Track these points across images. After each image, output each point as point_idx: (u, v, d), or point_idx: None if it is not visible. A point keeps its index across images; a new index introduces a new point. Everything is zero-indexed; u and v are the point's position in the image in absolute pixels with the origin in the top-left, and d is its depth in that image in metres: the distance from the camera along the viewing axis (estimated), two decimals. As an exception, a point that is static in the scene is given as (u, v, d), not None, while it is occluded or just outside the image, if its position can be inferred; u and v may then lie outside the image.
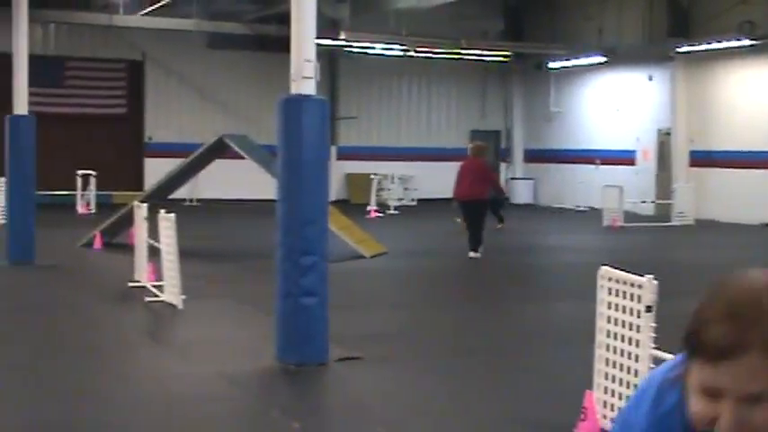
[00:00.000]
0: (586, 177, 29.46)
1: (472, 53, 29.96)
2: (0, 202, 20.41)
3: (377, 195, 27.32)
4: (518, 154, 33.71)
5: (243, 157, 16.43)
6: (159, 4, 25.70)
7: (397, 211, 27.35)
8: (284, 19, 26.28)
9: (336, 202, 22.68)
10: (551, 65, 30.35)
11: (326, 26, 25.55)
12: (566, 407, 6.78)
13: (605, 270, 6.07)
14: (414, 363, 8.74)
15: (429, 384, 7.97)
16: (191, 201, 28.03)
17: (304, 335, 8.28)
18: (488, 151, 20.09)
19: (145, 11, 26.59)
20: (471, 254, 16.57)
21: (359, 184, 30.45)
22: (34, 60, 16.11)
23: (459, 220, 18.04)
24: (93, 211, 24.67)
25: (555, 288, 14.68)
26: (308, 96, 8.31)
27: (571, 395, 6.75)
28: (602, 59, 28.24)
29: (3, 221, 17.13)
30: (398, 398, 7.54)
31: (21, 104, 15.07)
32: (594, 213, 25.81)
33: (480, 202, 16.65)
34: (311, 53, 8.34)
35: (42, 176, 16.40)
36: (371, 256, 16.19)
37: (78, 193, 25.63)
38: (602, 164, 29.38)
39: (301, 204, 8.28)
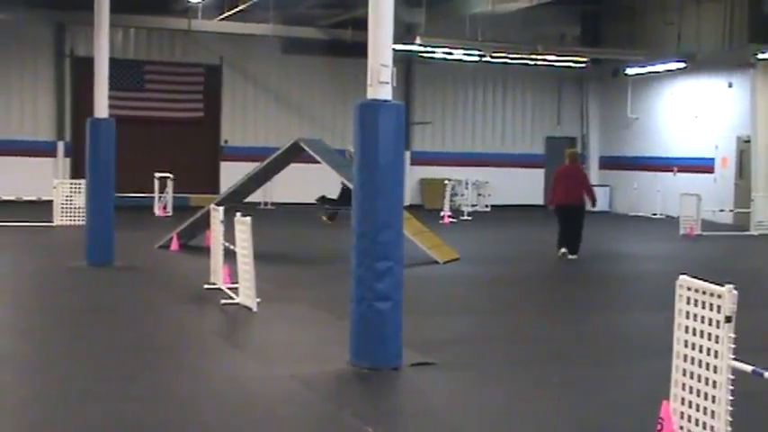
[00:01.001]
0: (664, 185, 29.05)
1: (548, 59, 29.71)
2: (80, 204, 20.83)
3: (450, 201, 27.25)
4: (594, 161, 33.36)
5: (317, 161, 16.51)
6: (236, 10, 25.98)
7: (470, 217, 27.26)
8: (359, 24, 26.40)
9: (410, 208, 22.67)
10: (629, 71, 29.97)
11: (402, 31, 25.59)
12: (642, 417, 6.70)
13: (684, 279, 5.98)
14: (487, 369, 8.69)
15: (502, 391, 7.92)
16: (265, 204, 28.27)
17: (378, 339, 8.30)
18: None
19: (222, 16, 26.90)
20: (571, 255, 17.34)
21: (432, 189, 30.43)
22: (114, 64, 16.39)
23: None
24: (170, 214, 25.02)
25: (631, 296, 14.49)
26: (384, 101, 8.33)
27: (647, 405, 6.66)
28: (681, 65, 27.82)
29: (83, 223, 17.43)
30: (471, 404, 7.51)
31: (101, 108, 15.32)
32: (671, 221, 25.44)
33: (577, 207, 17.30)
34: (388, 58, 8.36)
35: (121, 179, 16.65)
36: (444, 262, 16.16)
37: (156, 195, 26.00)
38: (680, 171, 28.93)
39: (377, 209, 8.29)
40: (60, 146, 28.95)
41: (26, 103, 28.86)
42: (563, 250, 17.53)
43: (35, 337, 9.73)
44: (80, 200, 21.10)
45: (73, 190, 22.04)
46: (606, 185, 32.37)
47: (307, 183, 26.94)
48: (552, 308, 12.82)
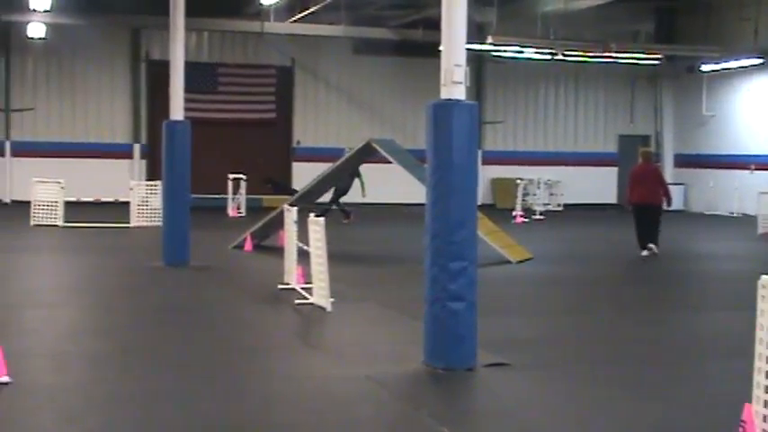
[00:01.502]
0: (741, 183, 28.55)
1: (621, 56, 29.38)
2: (156, 205, 21.15)
3: (522, 200, 27.10)
4: (668, 159, 32.92)
5: (389, 162, 16.54)
6: (307, 11, 26.14)
7: (542, 217, 27.09)
8: (430, 24, 26.41)
9: (481, 207, 22.60)
10: (704, 67, 29.54)
11: (474, 30, 25.52)
12: (722, 420, 6.60)
13: (766, 279, 5.87)
14: (562, 370, 8.63)
15: (578, 392, 7.85)
16: (337, 204, 28.36)
17: (452, 339, 8.28)
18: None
19: (294, 18, 27.09)
20: (645, 252, 17.49)
21: (504, 188, 30.32)
22: (188, 67, 16.62)
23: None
24: (244, 214, 25.28)
25: (708, 296, 14.26)
26: (458, 101, 8.31)
27: (728, 408, 6.56)
28: (758, 61, 27.31)
29: (159, 224, 17.70)
30: (547, 405, 7.46)
31: (177, 110, 15.53)
32: (748, 220, 24.99)
33: (656, 207, 17.61)
34: (461, 58, 8.33)
35: (195, 180, 16.85)
36: (518, 262, 16.09)
37: (229, 196, 26.28)
38: (758, 169, 28.42)
39: (451, 208, 8.27)
40: (136, 148, 29.44)
41: (103, 107, 29.41)
42: (646, 252, 17.50)
43: (115, 337, 9.89)
44: (156, 201, 21.42)
45: (149, 191, 22.39)
46: (681, 184, 31.92)
47: (378, 183, 27.04)
48: (628, 308, 12.67)
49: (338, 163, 17.12)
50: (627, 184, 18.33)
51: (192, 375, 8.19)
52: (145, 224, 21.90)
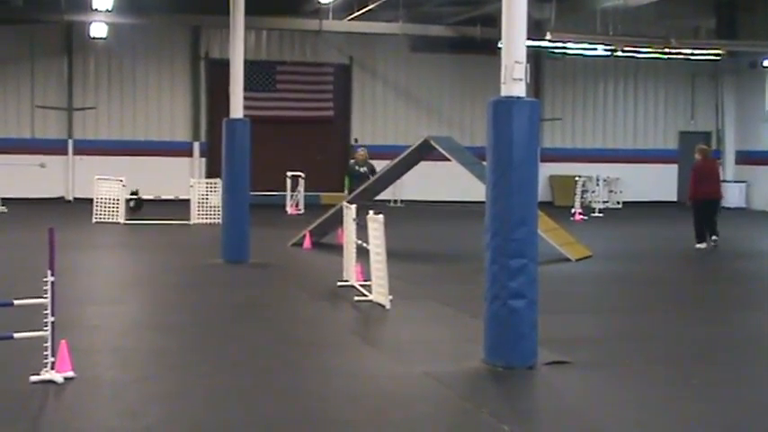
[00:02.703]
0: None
1: (682, 52, 29.01)
2: (216, 203, 21.34)
3: (581, 198, 26.91)
4: (729, 156, 32.46)
5: (447, 159, 16.50)
6: (365, 9, 26.17)
7: (601, 214, 26.87)
8: (487, 21, 26.29)
9: (540, 204, 22.47)
10: (766, 63, 29.05)
11: (532, 27, 25.34)
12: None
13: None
14: (624, 369, 8.55)
15: (638, 391, 7.77)
16: (395, 202, 28.44)
17: (512, 337, 8.25)
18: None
19: (351, 16, 27.14)
20: (702, 245, 18.31)
21: (563, 186, 30.11)
22: (247, 66, 16.71)
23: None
24: (302, 212, 25.40)
25: (771, 296, 14.05)
26: (518, 98, 8.27)
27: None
28: (822, 56, 26.85)
29: (218, 221, 17.83)
30: (608, 404, 7.40)
31: (237, 108, 15.64)
32: (813, 218, 24.56)
33: (718, 201, 18.91)
34: (522, 55, 8.30)
35: (254, 178, 16.95)
36: (577, 260, 15.98)
37: (288, 193, 26.42)
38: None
39: (511, 206, 8.24)
40: (196, 146, 29.70)
41: (163, 106, 29.72)
42: (703, 245, 18.25)
43: (176, 333, 10.00)
44: (215, 198, 21.62)
45: (209, 189, 22.59)
46: (743, 182, 31.46)
47: (436, 180, 27.04)
48: (688, 306, 12.53)
49: (396, 160, 17.10)
50: (690, 180, 18.79)
51: (251, 372, 8.25)
52: (204, 221, 22.10)
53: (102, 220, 21.91)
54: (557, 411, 7.28)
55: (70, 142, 29.05)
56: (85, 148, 28.97)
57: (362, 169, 19.91)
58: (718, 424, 6.93)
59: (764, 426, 6.86)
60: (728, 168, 32.22)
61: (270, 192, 26.76)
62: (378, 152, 27.78)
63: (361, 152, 20.58)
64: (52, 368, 7.56)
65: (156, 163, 28.96)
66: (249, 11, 16.02)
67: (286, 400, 7.36)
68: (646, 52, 28.87)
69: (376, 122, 30.90)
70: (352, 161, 20.86)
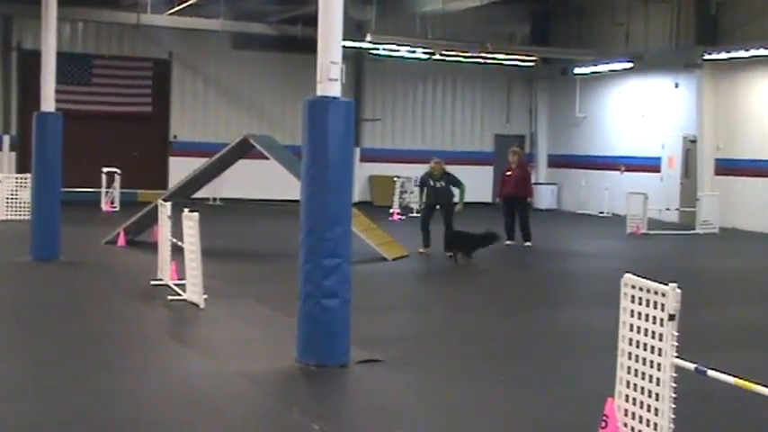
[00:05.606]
0: (611, 183, 29.32)
1: (498, 57, 29.87)
2: (26, 199, 20.59)
3: (400, 198, 27.29)
4: (542, 159, 33.60)
5: (267, 158, 16.45)
6: (186, 4, 25.77)
7: (419, 214, 27.28)
8: (310, 20, 26.31)
9: (359, 204, 22.67)
10: (577, 70, 30.23)
11: (352, 28, 25.57)
12: (587, 413, 6.76)
13: (628, 278, 6.04)
14: (435, 366, 8.73)
15: (450, 388, 7.95)
16: (214, 200, 28.12)
17: (325, 336, 8.29)
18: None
19: (172, 10, 26.68)
20: (526, 243, 19.41)
21: (382, 186, 30.44)
22: (62, 58, 16.20)
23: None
24: (118, 209, 24.80)
25: (578, 294, 14.64)
26: (334, 98, 8.32)
27: (592, 402, 6.73)
28: (629, 65, 28.11)
29: (28, 218, 17.21)
30: (419, 401, 7.54)
31: (48, 101, 15.15)
32: (618, 220, 25.68)
33: (526, 198, 19.95)
34: (337, 55, 8.36)
35: (68, 174, 16.47)
36: (393, 259, 16.20)
37: (103, 190, 25.76)
38: (627, 170, 29.24)
39: (326, 205, 8.28)
40: (6, 140, 28.56)
41: (-29, 96, 28.46)
42: (512, 241, 19.26)
43: (-22, 334, 9.61)
44: (26, 194, 20.85)
45: (18, 184, 21.79)
46: (554, 184, 32.61)
47: (256, 179, 26.91)
48: (500, 304, 12.90)
49: (215, 158, 16.94)
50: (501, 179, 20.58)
51: (60, 372, 8.01)
52: (14, 218, 21.31)
53: None
54: (366, 408, 7.36)
55: None
56: None
57: (439, 183, 17.62)
58: (523, 417, 7.16)
59: (566, 418, 7.13)
60: (541, 171, 33.33)
61: (84, 188, 26.00)
62: (197, 150, 27.49)
63: (434, 164, 18.07)
64: None
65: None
66: (64, 1, 15.53)
67: (95, 399, 7.17)
68: (464, 56, 29.58)
69: (196, 119, 30.46)
70: (425, 174, 18.32)
